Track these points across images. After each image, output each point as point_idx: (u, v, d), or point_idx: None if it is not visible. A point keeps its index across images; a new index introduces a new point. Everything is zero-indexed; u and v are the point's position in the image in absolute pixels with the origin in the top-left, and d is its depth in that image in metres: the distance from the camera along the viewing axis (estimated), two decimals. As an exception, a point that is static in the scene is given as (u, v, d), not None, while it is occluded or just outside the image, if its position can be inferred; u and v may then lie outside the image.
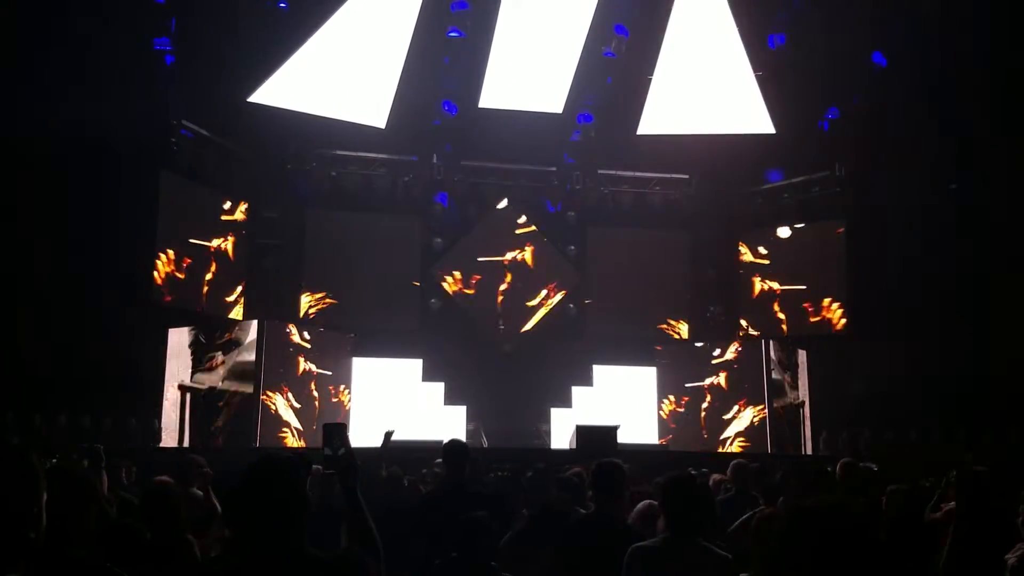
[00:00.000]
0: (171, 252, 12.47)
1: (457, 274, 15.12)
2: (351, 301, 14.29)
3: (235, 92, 12.96)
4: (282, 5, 13.21)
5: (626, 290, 15.28)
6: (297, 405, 11.74)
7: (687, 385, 13.32)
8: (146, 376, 11.36)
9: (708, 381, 13.19)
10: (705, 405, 13.22)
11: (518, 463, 8.47)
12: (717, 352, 13.33)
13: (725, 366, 13.16)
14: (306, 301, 14.24)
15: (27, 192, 10.84)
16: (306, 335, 12.22)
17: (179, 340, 11.63)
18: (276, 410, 11.41)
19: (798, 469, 6.75)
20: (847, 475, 5.51)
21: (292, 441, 11.53)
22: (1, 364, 10.03)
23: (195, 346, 11.59)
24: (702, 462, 8.15)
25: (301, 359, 11.96)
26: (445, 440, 5.04)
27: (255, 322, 11.77)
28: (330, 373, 12.35)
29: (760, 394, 12.59)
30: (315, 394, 12.10)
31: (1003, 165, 12.30)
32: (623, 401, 13.12)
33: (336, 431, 2.70)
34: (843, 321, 14.09)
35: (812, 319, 14.38)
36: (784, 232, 14.57)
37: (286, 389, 11.65)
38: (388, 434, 4.29)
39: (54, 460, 5.16)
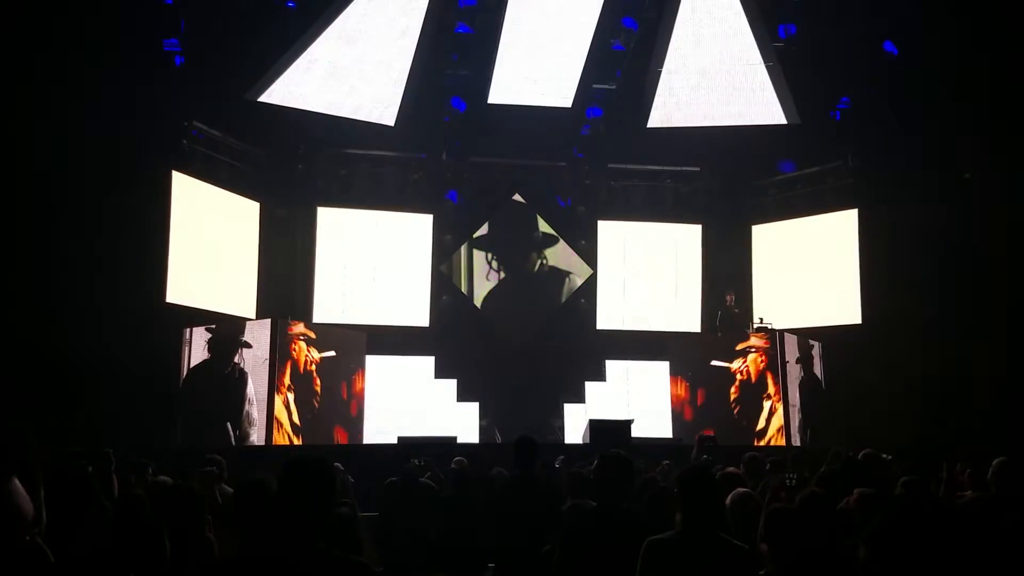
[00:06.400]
0: (183, 252, 12.48)
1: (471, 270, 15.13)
2: (362, 299, 14.28)
3: (245, 92, 12.99)
4: (290, 4, 13.19)
5: (638, 284, 15.23)
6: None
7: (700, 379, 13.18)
8: (160, 376, 11.40)
9: (732, 366, 12.96)
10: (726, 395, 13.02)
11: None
12: (731, 345, 13.21)
13: (740, 358, 13.02)
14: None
15: (39, 195, 10.86)
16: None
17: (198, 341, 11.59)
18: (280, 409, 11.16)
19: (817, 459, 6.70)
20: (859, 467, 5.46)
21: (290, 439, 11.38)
22: (16, 365, 10.08)
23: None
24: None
25: (304, 350, 11.59)
26: (458, 435, 5.27)
27: (268, 321, 11.73)
28: (333, 353, 11.94)
29: (776, 387, 12.47)
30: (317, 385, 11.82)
31: (1019, 154, 12.15)
32: (637, 395, 13.08)
33: None
34: (857, 313, 13.98)
35: (826, 311, 14.26)
36: None
37: (283, 388, 11.34)
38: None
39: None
